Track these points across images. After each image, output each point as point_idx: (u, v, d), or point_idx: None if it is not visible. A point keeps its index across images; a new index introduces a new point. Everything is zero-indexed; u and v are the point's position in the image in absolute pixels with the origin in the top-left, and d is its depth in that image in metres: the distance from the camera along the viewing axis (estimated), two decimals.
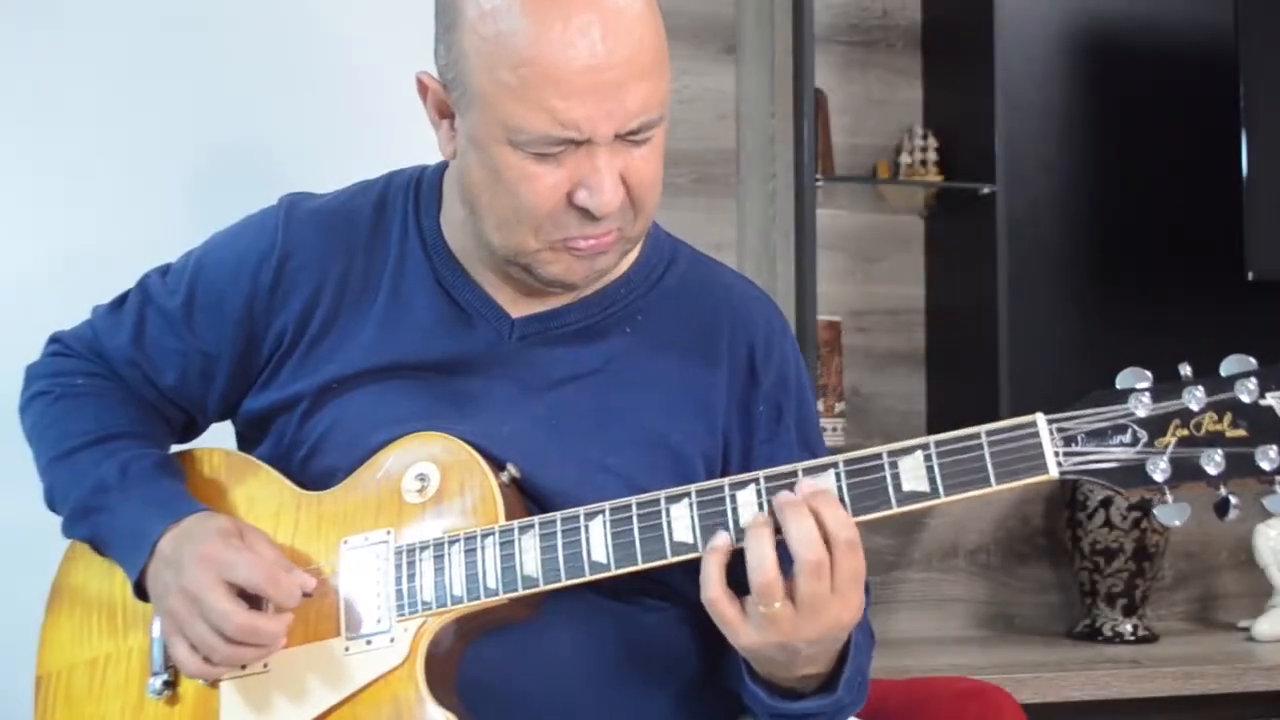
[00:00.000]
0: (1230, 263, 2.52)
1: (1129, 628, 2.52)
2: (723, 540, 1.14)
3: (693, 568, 1.16)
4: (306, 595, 1.23)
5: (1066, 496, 2.58)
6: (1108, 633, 2.53)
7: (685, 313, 1.37)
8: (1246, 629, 2.59)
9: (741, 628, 1.13)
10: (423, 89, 1.28)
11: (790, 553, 1.11)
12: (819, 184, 2.39)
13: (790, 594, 1.11)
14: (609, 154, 1.20)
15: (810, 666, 1.18)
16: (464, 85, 1.21)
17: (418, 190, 1.39)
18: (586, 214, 1.21)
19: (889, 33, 2.68)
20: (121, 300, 1.45)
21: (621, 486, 1.25)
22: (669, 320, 1.36)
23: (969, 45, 2.50)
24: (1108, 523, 2.51)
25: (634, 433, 1.31)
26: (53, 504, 1.38)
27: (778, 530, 1.13)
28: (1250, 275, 2.52)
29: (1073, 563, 2.59)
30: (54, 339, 1.47)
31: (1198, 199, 2.67)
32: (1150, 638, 2.52)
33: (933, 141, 2.58)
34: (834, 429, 2.47)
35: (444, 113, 1.27)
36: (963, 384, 2.58)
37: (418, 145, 1.46)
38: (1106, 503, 2.51)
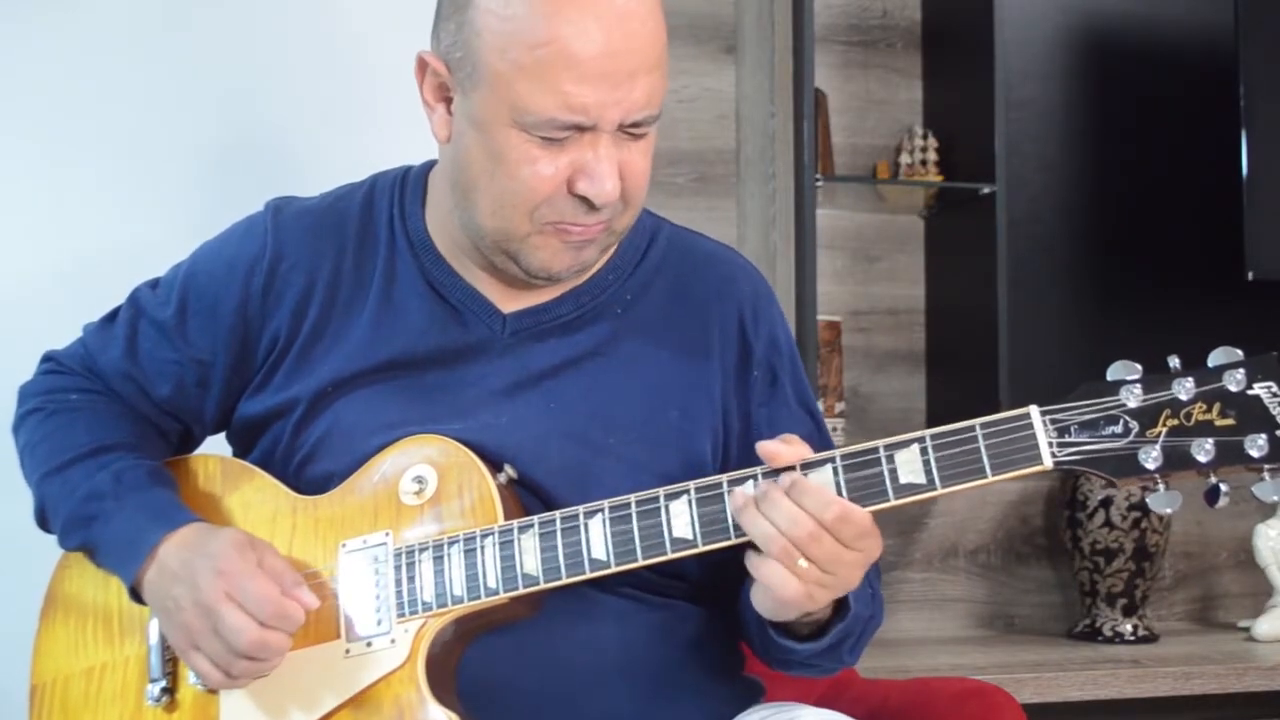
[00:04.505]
0: (1230, 263, 2.52)
1: (1129, 628, 2.52)
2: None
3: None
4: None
5: (1066, 496, 2.58)
6: (1108, 633, 2.53)
7: (672, 287, 1.38)
8: (1246, 629, 2.59)
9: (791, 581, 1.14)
10: (422, 68, 1.29)
11: (787, 538, 1.13)
12: (819, 184, 2.39)
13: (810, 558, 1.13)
14: (610, 144, 1.22)
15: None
16: (473, 64, 1.22)
17: (402, 190, 1.40)
18: (583, 202, 1.23)
19: (889, 33, 2.68)
20: (112, 315, 1.44)
21: (623, 467, 1.27)
22: (657, 297, 1.37)
23: (969, 45, 2.51)
24: (1108, 523, 2.51)
25: (633, 412, 1.32)
26: (43, 520, 1.37)
27: None
28: (1250, 275, 2.52)
29: (1073, 563, 2.59)
30: (47, 357, 1.47)
31: (1198, 199, 2.67)
32: (1150, 638, 2.52)
33: (933, 141, 2.58)
34: (834, 429, 2.47)
35: (441, 95, 1.28)
36: (963, 384, 2.58)
37: (417, 144, 1.46)
38: (1106, 503, 2.51)
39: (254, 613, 1.18)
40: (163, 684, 1.29)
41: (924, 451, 1.14)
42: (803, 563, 1.13)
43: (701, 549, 1.18)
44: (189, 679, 1.28)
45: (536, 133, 1.20)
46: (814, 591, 1.14)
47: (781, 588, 1.13)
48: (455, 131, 1.27)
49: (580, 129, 1.20)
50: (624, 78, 1.19)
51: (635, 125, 1.22)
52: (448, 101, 1.28)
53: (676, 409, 1.33)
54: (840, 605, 1.22)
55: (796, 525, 1.12)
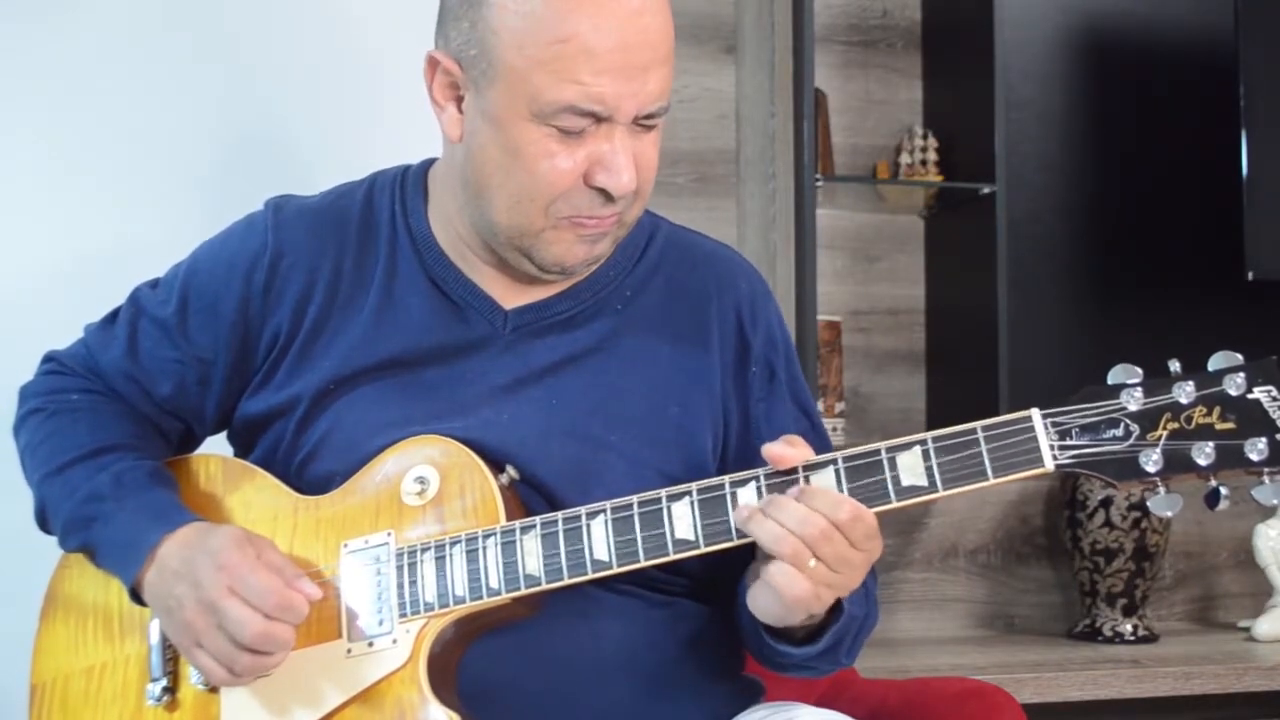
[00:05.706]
0: (1230, 263, 2.52)
1: (1129, 628, 2.52)
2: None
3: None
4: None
5: (1066, 496, 2.58)
6: (1108, 633, 2.53)
7: (670, 284, 1.39)
8: (1246, 629, 2.59)
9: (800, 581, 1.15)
10: (432, 67, 1.29)
11: (799, 537, 1.13)
12: (819, 184, 2.39)
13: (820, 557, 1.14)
14: (626, 135, 1.24)
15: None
16: (489, 61, 1.23)
17: (403, 188, 1.40)
18: (600, 194, 1.24)
19: (889, 33, 2.68)
20: (113, 315, 1.45)
21: (625, 463, 1.27)
22: (656, 293, 1.38)
23: (969, 45, 2.51)
24: (1108, 523, 2.51)
25: (633, 408, 1.32)
26: (44, 521, 1.37)
27: None
28: (1250, 275, 2.52)
29: (1073, 563, 2.59)
30: (48, 358, 1.47)
31: (1198, 199, 2.67)
32: (1150, 638, 2.52)
33: (933, 141, 2.58)
34: (834, 429, 2.47)
35: (451, 94, 1.29)
36: (962, 384, 2.58)
37: (418, 143, 1.47)
38: (1106, 503, 2.51)
39: (258, 605, 1.19)
40: (164, 683, 1.29)
41: (926, 455, 1.14)
42: (812, 562, 1.13)
43: (704, 550, 1.18)
44: (190, 678, 1.28)
45: (555, 123, 1.22)
46: (821, 592, 1.15)
47: (790, 587, 1.13)
48: (468, 130, 1.28)
49: (597, 119, 1.22)
50: (638, 71, 1.21)
51: (649, 117, 1.25)
52: (459, 100, 1.28)
53: (677, 405, 1.34)
54: (834, 607, 1.22)
55: (808, 525, 1.12)
